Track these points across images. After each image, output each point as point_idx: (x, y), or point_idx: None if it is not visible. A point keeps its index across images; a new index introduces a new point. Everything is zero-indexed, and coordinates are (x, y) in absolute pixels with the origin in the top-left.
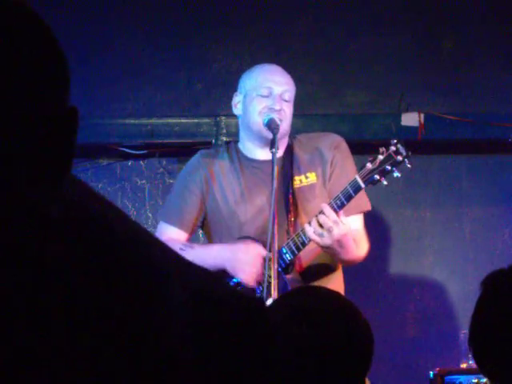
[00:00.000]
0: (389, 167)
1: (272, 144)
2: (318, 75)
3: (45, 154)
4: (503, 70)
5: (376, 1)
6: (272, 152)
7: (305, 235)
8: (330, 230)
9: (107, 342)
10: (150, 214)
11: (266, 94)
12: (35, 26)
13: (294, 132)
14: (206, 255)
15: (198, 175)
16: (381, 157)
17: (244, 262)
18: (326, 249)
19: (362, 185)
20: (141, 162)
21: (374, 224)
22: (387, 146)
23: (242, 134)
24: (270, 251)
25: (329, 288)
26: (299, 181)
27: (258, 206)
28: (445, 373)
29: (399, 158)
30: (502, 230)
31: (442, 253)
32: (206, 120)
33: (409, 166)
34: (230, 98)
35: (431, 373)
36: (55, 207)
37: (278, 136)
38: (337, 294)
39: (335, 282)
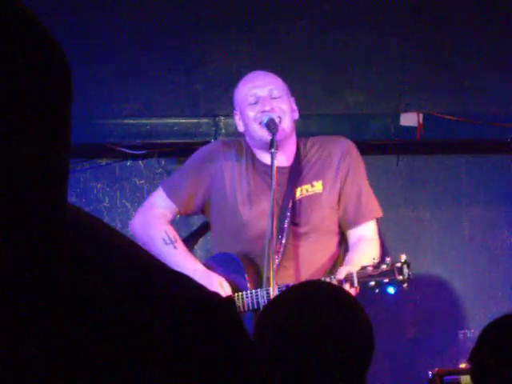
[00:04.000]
0: (386, 280)
1: (271, 144)
2: (318, 75)
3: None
4: (502, 71)
5: (376, 1)
6: (271, 152)
7: None
8: None
9: (108, 342)
10: None
11: (253, 101)
12: (34, 27)
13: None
14: (181, 263)
15: (213, 163)
16: (384, 267)
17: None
18: None
19: (355, 284)
20: (140, 161)
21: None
22: (394, 261)
23: (252, 146)
24: (268, 252)
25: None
26: (305, 190)
27: (261, 210)
28: (444, 373)
29: (400, 278)
30: (502, 230)
31: (441, 253)
32: (205, 120)
33: (405, 286)
34: (229, 98)
35: (430, 373)
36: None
37: (282, 134)
38: (333, 285)
39: None
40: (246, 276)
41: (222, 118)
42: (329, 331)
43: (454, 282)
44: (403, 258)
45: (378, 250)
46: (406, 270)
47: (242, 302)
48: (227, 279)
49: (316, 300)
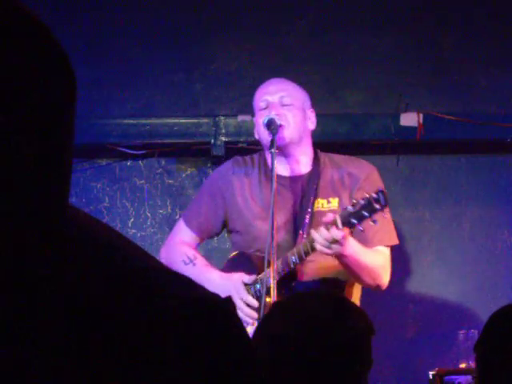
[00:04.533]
0: (366, 213)
1: (271, 144)
2: (318, 75)
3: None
4: (503, 71)
5: (376, 1)
6: (271, 152)
7: (311, 244)
8: (336, 243)
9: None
10: (148, 214)
11: (264, 107)
12: (35, 26)
13: None
14: (196, 276)
15: (224, 183)
16: (361, 202)
17: (226, 290)
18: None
19: (340, 225)
20: (140, 161)
21: None
22: (370, 193)
23: (265, 152)
24: (269, 252)
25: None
26: (321, 204)
27: (276, 222)
28: (444, 373)
29: (377, 206)
30: (502, 230)
31: (441, 253)
32: (205, 120)
33: (386, 216)
34: (229, 98)
35: (430, 373)
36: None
37: (282, 141)
38: (330, 292)
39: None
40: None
41: (221, 117)
42: (327, 335)
43: (454, 282)
44: (380, 188)
45: (384, 276)
46: (382, 199)
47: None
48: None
49: (313, 306)
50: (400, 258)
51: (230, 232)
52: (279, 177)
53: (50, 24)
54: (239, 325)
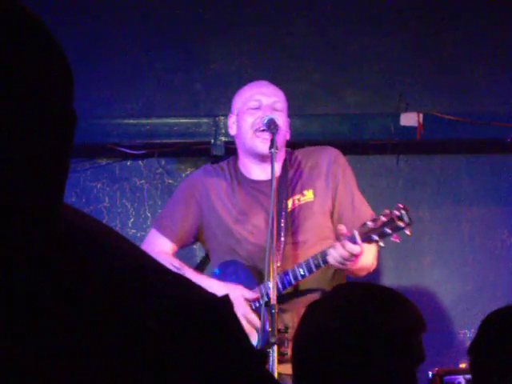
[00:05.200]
0: (389, 230)
1: (271, 144)
2: (318, 75)
3: (45, 157)
4: (502, 70)
5: (376, 1)
6: (271, 152)
7: (323, 258)
8: (352, 259)
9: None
10: (148, 214)
11: (256, 106)
12: (34, 26)
13: (294, 132)
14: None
15: (198, 191)
16: (383, 219)
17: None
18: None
19: (359, 241)
20: (140, 161)
21: None
22: (392, 209)
23: (240, 153)
24: (269, 254)
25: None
26: (297, 200)
27: (254, 225)
28: (444, 373)
29: (401, 224)
30: (501, 230)
31: (440, 253)
32: (205, 120)
33: (408, 233)
34: (229, 98)
35: (430, 373)
36: (60, 219)
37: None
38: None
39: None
40: (254, 279)
41: (221, 117)
42: (371, 326)
43: (454, 282)
44: (400, 205)
45: (374, 253)
46: (405, 216)
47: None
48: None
49: (357, 297)
50: (400, 258)
51: (206, 240)
52: (254, 182)
53: (50, 24)
54: (238, 323)
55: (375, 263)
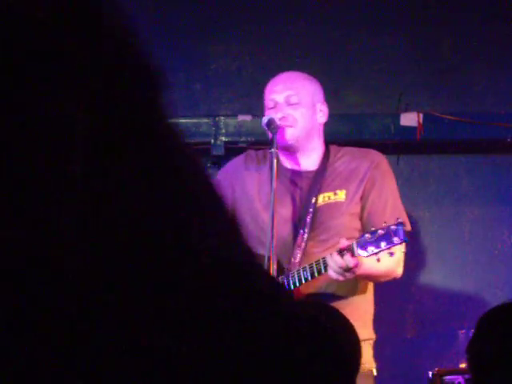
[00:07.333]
0: (384, 245)
1: (271, 143)
2: (318, 75)
3: None
4: (502, 71)
5: (376, 1)
6: (271, 152)
7: (323, 265)
8: (348, 271)
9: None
10: None
11: (271, 106)
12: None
13: None
14: None
15: (235, 175)
16: (381, 232)
17: None
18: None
19: (356, 253)
20: None
21: None
22: (389, 224)
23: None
24: (269, 252)
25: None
26: (327, 197)
27: (280, 215)
28: (444, 373)
29: (396, 240)
30: (501, 230)
31: (440, 253)
32: (205, 120)
33: (402, 250)
34: (229, 99)
35: (430, 373)
36: None
37: (284, 141)
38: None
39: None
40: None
41: (221, 117)
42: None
43: (454, 281)
44: (398, 219)
45: (399, 269)
46: (401, 233)
47: None
48: None
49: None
50: None
51: None
52: (287, 170)
53: None
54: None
55: (399, 270)
